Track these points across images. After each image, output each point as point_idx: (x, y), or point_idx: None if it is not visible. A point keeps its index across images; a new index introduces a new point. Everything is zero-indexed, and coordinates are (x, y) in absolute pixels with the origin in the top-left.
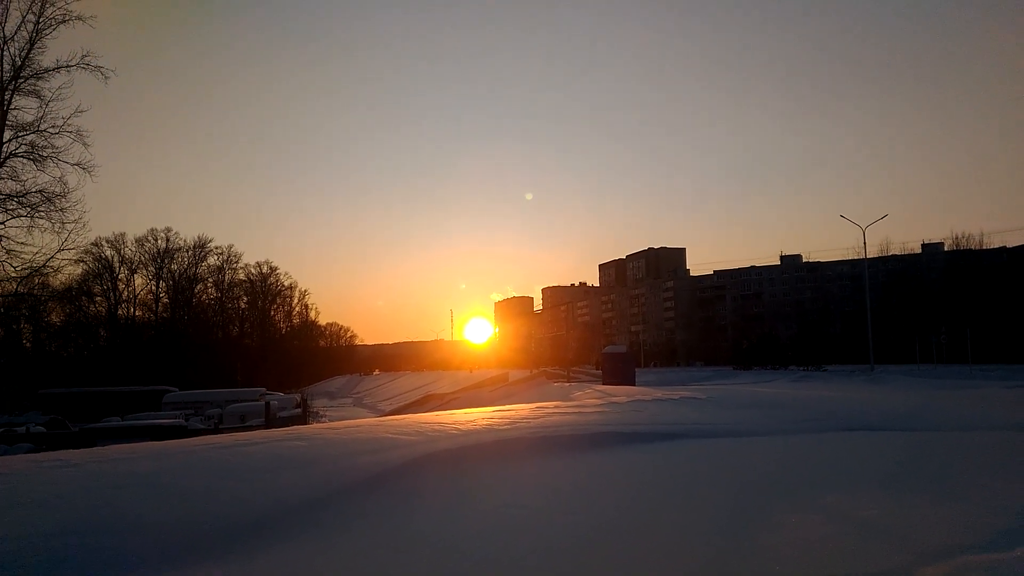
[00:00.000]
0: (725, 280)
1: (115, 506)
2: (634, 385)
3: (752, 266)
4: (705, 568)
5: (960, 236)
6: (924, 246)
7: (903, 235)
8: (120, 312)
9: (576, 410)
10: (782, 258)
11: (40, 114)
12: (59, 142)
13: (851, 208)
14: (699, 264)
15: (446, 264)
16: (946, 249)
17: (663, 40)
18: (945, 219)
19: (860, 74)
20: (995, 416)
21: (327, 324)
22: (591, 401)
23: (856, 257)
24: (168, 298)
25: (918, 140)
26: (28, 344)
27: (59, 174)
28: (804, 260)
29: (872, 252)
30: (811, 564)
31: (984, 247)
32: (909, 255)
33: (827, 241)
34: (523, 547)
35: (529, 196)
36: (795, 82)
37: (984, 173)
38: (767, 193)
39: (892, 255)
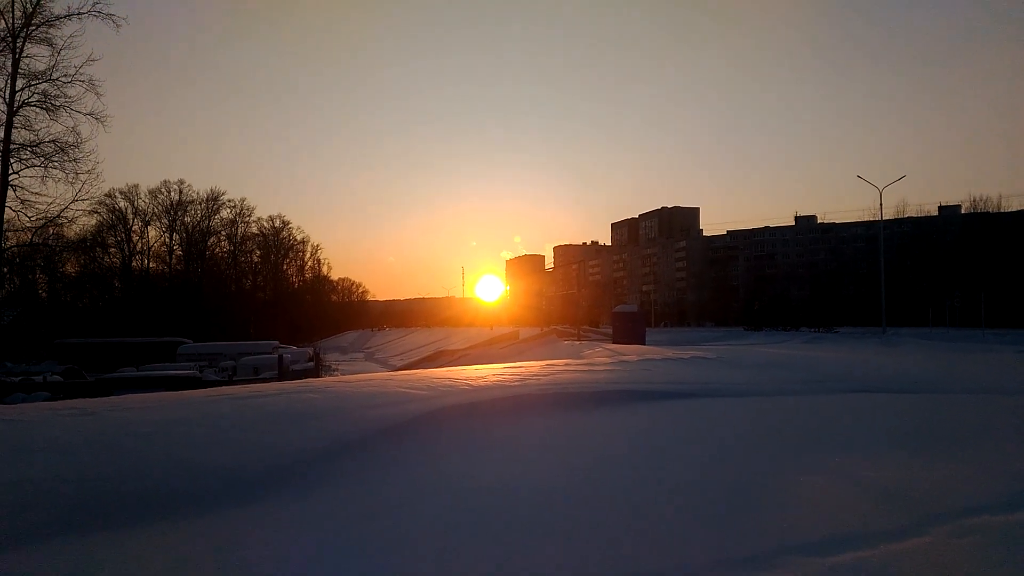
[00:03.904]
0: (738, 240)
1: (131, 454)
2: (644, 344)
3: (766, 226)
4: (708, 527)
5: (978, 199)
6: (941, 208)
7: (920, 197)
8: (134, 264)
9: (586, 368)
10: (797, 219)
11: (52, 63)
12: (72, 91)
13: (868, 169)
14: (712, 224)
15: (457, 222)
16: (963, 212)
17: None
18: (963, 182)
19: (880, 33)
20: (1005, 380)
21: (339, 279)
22: (601, 359)
23: (872, 219)
24: (181, 250)
25: (937, 101)
26: (44, 294)
27: (72, 124)
28: (819, 221)
29: (888, 214)
30: (817, 524)
31: (1002, 210)
32: (925, 217)
33: (843, 202)
34: (531, 499)
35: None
36: (813, 41)
37: (1004, 136)
38: (783, 153)
39: (908, 217)
